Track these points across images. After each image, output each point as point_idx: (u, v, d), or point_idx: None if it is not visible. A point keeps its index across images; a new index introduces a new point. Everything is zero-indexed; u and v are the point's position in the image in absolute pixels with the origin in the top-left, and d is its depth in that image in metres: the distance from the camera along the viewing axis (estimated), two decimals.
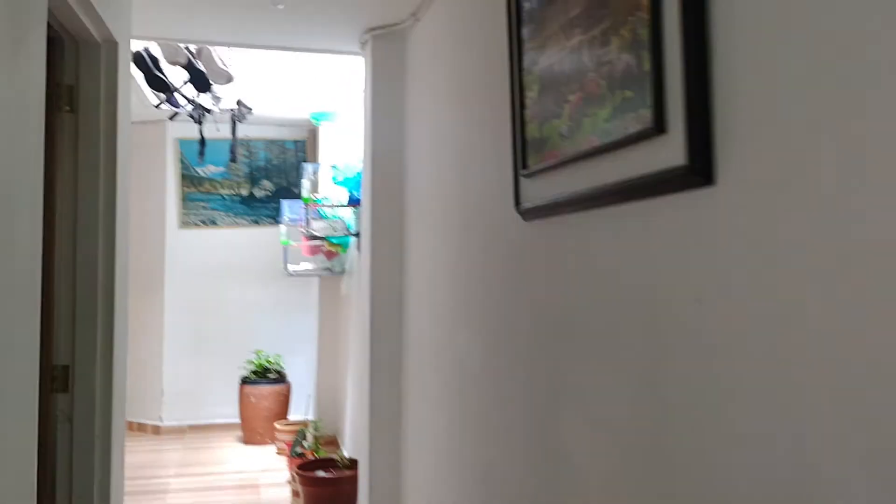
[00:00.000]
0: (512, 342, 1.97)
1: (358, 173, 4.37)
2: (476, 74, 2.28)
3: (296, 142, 6.32)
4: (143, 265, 6.31)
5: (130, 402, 6.75)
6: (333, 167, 4.46)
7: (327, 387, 5.83)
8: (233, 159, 5.37)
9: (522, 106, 1.79)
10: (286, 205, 5.33)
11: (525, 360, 1.87)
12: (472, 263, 2.30)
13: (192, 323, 6.24)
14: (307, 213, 4.63)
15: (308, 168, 4.58)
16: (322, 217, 4.76)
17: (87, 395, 2.17)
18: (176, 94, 4.60)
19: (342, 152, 5.38)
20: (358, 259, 4.72)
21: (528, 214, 1.80)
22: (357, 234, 4.55)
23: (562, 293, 1.65)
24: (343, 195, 4.60)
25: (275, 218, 6.31)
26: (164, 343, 6.19)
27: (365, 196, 3.63)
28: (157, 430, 6.15)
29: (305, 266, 5.34)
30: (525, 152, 1.78)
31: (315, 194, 4.49)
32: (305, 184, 4.45)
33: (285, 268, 5.33)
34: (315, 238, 4.79)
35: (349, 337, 5.16)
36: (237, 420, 5.97)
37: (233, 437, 6.03)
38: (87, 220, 2.20)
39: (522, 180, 1.82)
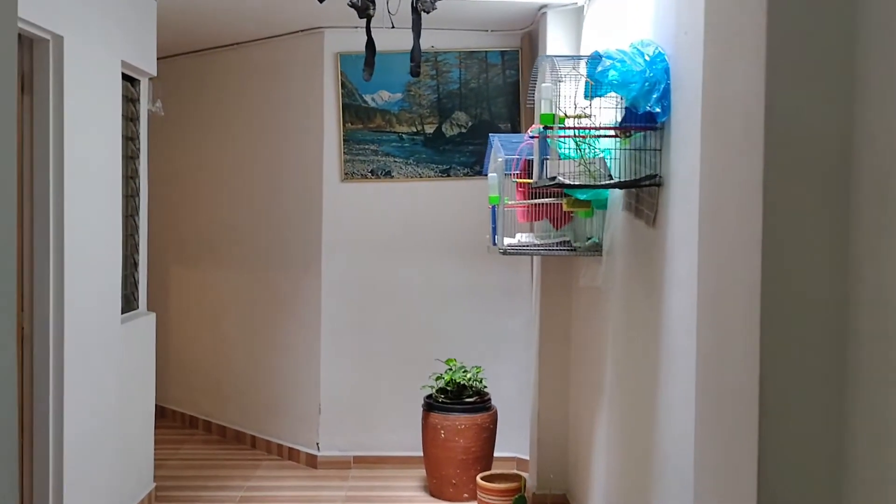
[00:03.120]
0: None
1: (650, 64, 2.29)
2: None
3: (503, 52, 4.31)
4: (294, 233, 4.60)
5: (281, 419, 4.64)
6: (593, 59, 2.40)
7: (553, 419, 3.86)
8: (415, 71, 3.41)
9: None
10: (497, 142, 3.35)
11: None
12: None
13: (357, 314, 4.47)
14: (543, 149, 2.62)
15: (544, 66, 2.55)
16: (561, 155, 2.72)
17: None
18: None
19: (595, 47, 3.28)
20: (625, 228, 2.65)
21: None
22: (630, 184, 2.49)
23: None
24: (608, 110, 2.56)
25: (471, 165, 4.37)
26: (322, 341, 4.47)
27: (707, 108, 1.62)
28: (312, 462, 4.47)
29: (526, 238, 3.35)
30: None
31: (563, 111, 2.46)
32: (545, 92, 2.42)
33: (493, 241, 3.38)
34: (557, 188, 2.80)
35: (605, 352, 3.13)
36: (418, 452, 4.15)
37: (414, 480, 4.22)
38: None
39: None
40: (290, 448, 4.59)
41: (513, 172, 3.39)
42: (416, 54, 3.39)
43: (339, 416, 4.46)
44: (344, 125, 4.36)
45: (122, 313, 3.55)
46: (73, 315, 2.93)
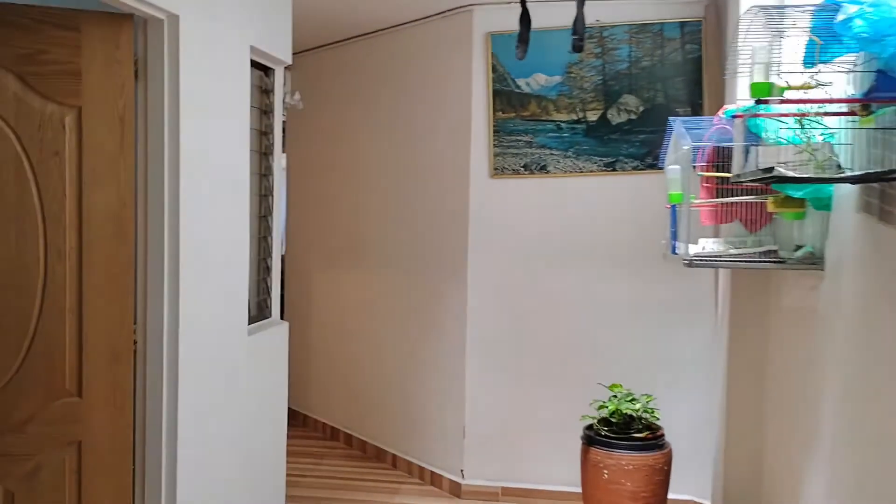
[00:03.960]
0: None
1: None
2: None
3: (683, 24, 3.66)
4: (438, 235, 4.17)
5: (423, 439, 4.04)
6: (827, 7, 1.76)
7: (743, 463, 3.17)
8: (577, 46, 2.84)
9: None
10: (681, 126, 2.73)
11: None
12: None
13: (507, 327, 3.98)
14: (749, 132, 1.99)
15: (754, 20, 1.92)
16: (771, 140, 2.07)
17: None
18: None
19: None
20: (862, 235, 1.95)
21: None
22: (876, 177, 1.80)
23: None
24: (838, 80, 1.90)
25: (641, 158, 3.75)
26: (467, 355, 4.01)
27: None
28: (456, 490, 4.02)
29: (713, 245, 2.71)
30: None
31: (784, 79, 1.83)
32: (760, 53, 1.81)
33: (673, 249, 2.76)
34: (758, 184, 2.16)
35: (822, 392, 2.44)
36: (576, 488, 3.60)
37: None
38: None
39: None
40: (432, 472, 4.16)
41: (697, 164, 2.76)
42: (579, 25, 2.80)
43: (486, 440, 3.98)
44: (494, 114, 3.87)
45: (252, 323, 3.25)
46: (190, 326, 2.63)
